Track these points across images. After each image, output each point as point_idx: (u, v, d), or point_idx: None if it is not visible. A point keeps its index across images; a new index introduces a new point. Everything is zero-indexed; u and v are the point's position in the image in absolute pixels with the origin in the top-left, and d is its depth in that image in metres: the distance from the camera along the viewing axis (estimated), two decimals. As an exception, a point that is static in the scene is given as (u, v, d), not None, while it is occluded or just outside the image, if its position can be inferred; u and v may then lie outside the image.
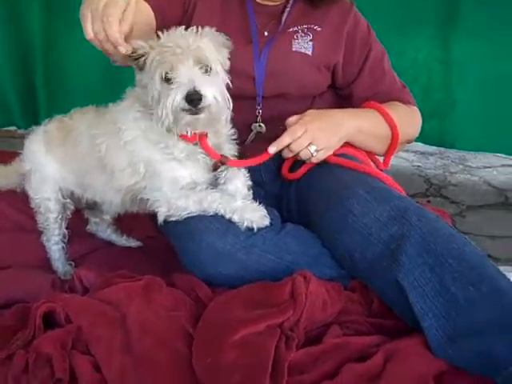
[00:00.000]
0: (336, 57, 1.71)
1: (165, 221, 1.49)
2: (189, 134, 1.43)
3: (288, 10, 1.70)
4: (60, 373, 1.18)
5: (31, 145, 1.70)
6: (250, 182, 1.56)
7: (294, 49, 1.67)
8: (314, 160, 1.55)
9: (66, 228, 1.77)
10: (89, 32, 1.34)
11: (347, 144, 1.62)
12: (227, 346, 1.19)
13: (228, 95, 1.39)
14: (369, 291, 1.41)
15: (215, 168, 1.53)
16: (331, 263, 1.48)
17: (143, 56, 1.37)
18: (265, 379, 1.12)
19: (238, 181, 1.52)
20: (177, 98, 1.30)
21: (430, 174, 3.06)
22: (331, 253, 1.47)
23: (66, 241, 1.78)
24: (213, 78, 1.36)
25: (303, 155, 1.53)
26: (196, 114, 1.33)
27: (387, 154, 1.71)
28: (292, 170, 1.65)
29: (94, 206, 1.83)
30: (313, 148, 1.51)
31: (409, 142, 1.84)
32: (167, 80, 1.33)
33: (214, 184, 1.54)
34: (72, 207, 1.77)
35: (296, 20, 1.70)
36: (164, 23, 1.54)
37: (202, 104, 1.31)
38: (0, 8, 3.23)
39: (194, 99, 1.30)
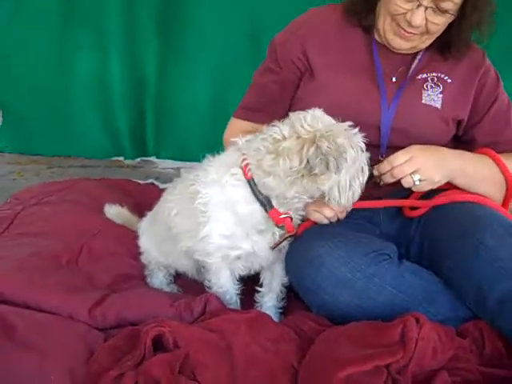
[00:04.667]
0: (463, 112, 1.68)
1: None
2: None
3: (419, 57, 1.67)
4: (168, 396, 1.20)
5: (144, 219, 1.90)
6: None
7: (423, 101, 1.64)
8: (415, 189, 1.53)
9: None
10: None
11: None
12: (334, 382, 1.19)
13: None
14: (482, 336, 1.38)
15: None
16: (448, 303, 1.46)
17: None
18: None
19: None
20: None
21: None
22: (456, 288, 1.44)
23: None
24: None
25: (405, 182, 1.51)
26: None
27: (503, 204, 1.64)
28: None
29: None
30: (416, 177, 1.49)
31: None
32: None
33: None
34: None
35: (425, 66, 1.67)
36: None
37: None
38: (120, 41, 3.42)
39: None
